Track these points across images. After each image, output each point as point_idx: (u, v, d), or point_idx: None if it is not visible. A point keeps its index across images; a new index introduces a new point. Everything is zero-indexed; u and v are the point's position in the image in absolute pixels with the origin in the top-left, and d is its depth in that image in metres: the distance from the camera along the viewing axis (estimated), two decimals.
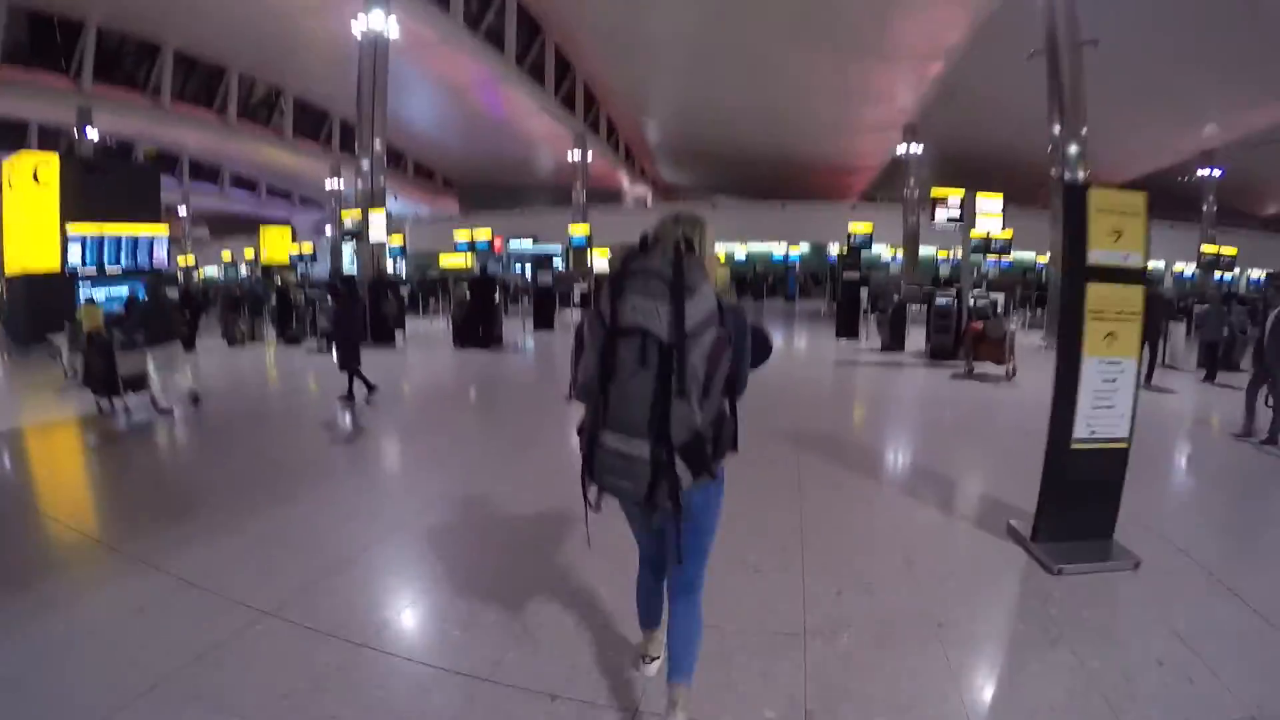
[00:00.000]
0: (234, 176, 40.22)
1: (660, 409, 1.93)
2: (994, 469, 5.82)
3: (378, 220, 16.90)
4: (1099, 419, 3.76)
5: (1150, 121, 23.49)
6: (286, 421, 7.89)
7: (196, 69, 28.05)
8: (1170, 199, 32.80)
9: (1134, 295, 3.67)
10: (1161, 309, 11.07)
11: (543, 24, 27.53)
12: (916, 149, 28.62)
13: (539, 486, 4.99)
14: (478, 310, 13.53)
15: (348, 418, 7.57)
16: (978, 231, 12.65)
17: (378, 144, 18.36)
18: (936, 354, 12.60)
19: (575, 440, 2.16)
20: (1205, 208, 31.29)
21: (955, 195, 12.40)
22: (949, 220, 12.53)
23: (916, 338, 13.91)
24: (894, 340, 13.48)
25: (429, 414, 8.38)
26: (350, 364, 7.96)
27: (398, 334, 15.24)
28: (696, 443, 1.97)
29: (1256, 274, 35.29)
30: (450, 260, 33.49)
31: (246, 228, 37.74)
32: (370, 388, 8.14)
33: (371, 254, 17.83)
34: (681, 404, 1.93)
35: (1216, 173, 30.62)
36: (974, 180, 13.10)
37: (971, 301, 12.05)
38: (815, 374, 11.43)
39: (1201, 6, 20.54)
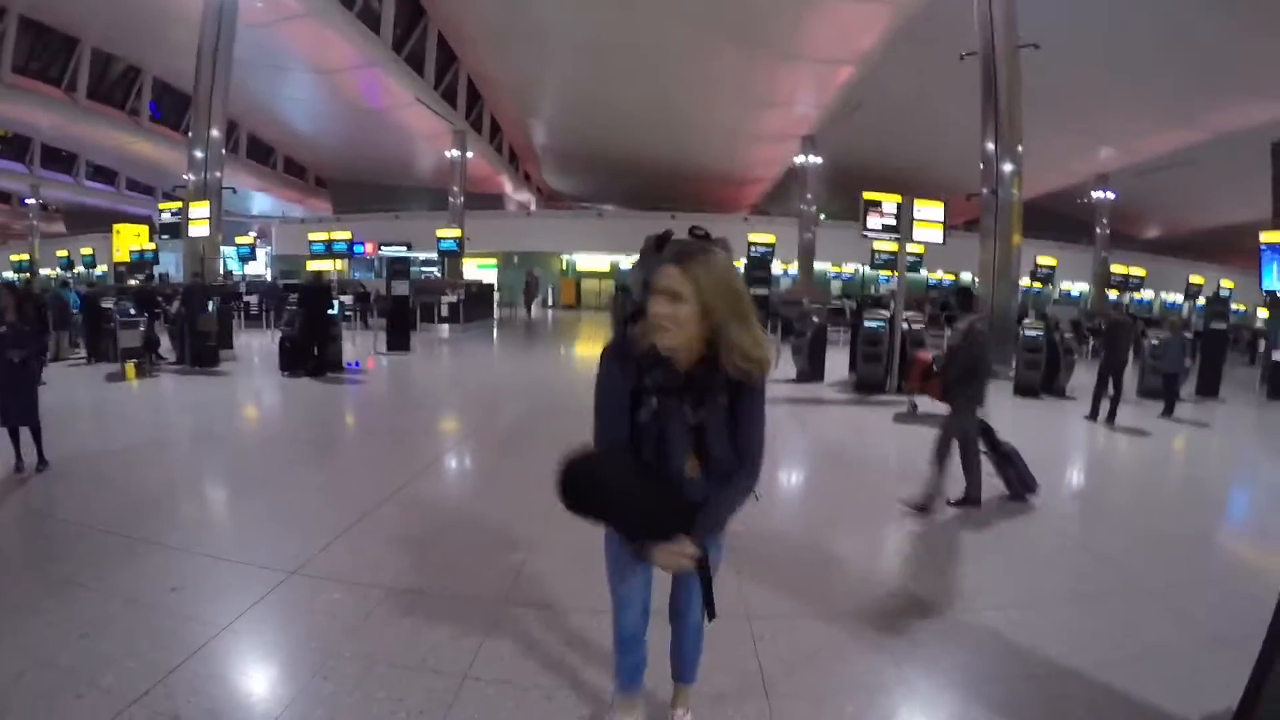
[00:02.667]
0: (92, 167, 34.94)
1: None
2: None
3: (200, 213, 13.77)
4: None
5: (1052, 139, 23.17)
6: None
7: (44, 39, 23.70)
8: (1059, 220, 33.47)
9: None
10: (1126, 338, 9.63)
11: (426, 7, 24.82)
12: (815, 160, 27.59)
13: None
14: (309, 328, 10.69)
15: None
16: (916, 243, 10.95)
17: (215, 130, 15.42)
18: (864, 386, 10.81)
19: None
20: (1099, 229, 31.85)
21: (890, 201, 10.66)
22: (884, 228, 10.75)
23: (834, 365, 12.13)
24: (813, 370, 11.62)
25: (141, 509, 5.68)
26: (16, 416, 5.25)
27: (225, 355, 12.27)
28: None
29: (1172, 297, 36.38)
30: (317, 266, 29.96)
31: (105, 223, 32.90)
32: (41, 459, 5.40)
33: (199, 254, 14.80)
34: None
35: (1110, 195, 31.14)
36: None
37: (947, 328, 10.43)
38: None
39: (1112, 34, 20.31)
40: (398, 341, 13.93)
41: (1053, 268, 23.13)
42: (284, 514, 4.73)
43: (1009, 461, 5.48)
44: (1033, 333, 11.17)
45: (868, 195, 10.58)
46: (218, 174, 15.32)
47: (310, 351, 10.65)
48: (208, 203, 13.99)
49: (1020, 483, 5.45)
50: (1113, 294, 26.09)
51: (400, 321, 14.08)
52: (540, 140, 36.53)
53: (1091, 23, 19.36)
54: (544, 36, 24.59)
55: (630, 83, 26.24)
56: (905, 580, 4.02)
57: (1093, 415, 9.17)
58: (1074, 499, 6.20)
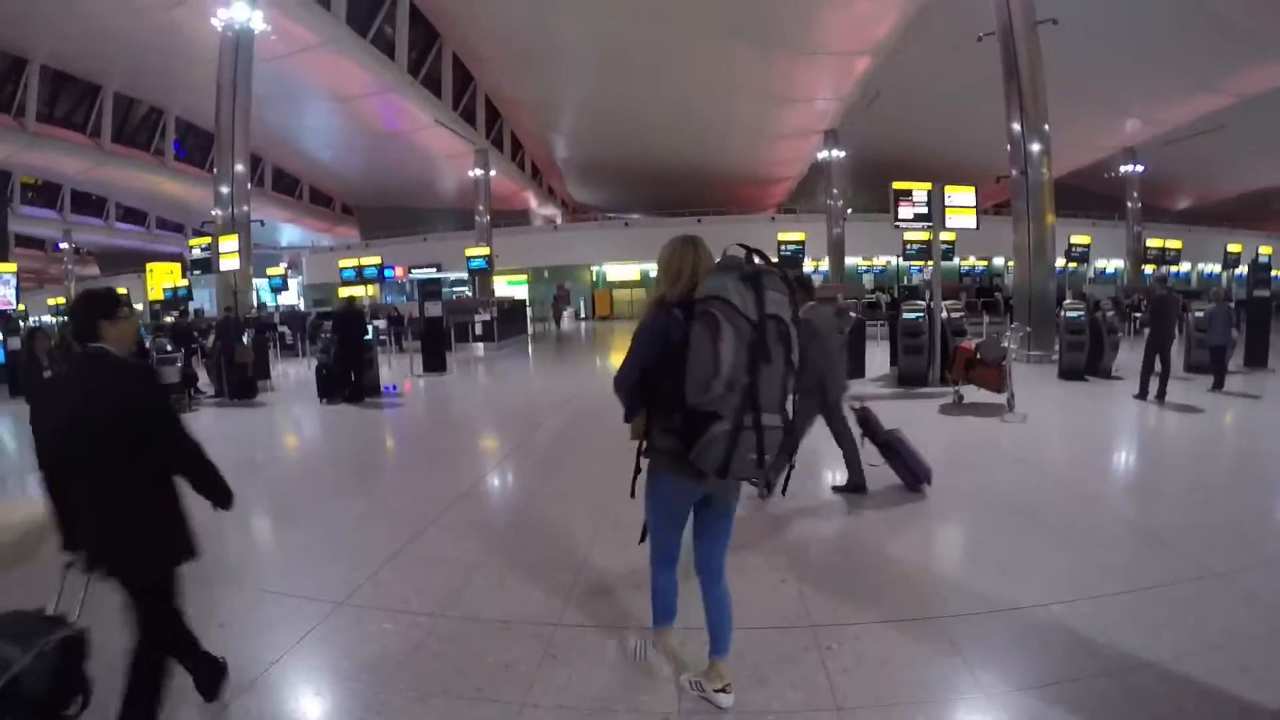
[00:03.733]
0: (122, 209, 36.04)
1: (787, 383, 2.35)
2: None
3: (229, 247, 13.99)
4: None
5: (1076, 116, 22.62)
6: None
7: (66, 86, 24.47)
8: (1089, 197, 32.72)
9: None
10: (1172, 312, 9.31)
11: (439, 29, 25.06)
12: (838, 155, 27.39)
13: None
14: (344, 355, 10.75)
15: None
16: (949, 231, 10.71)
17: (239, 165, 15.74)
18: (907, 379, 10.59)
19: None
20: (1130, 204, 31.07)
21: (920, 190, 10.44)
22: (915, 217, 10.54)
23: (875, 360, 11.95)
24: (854, 366, 11.40)
25: None
26: None
27: (262, 385, 12.42)
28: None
29: (1210, 268, 35.34)
30: (349, 292, 30.27)
31: (138, 263, 33.66)
32: None
33: (232, 288, 15.08)
34: (802, 375, 2.47)
35: (1139, 169, 30.39)
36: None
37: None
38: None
39: (1126, 3, 19.88)
40: (433, 363, 13.99)
41: (1087, 246, 22.57)
42: (329, 543, 4.70)
43: (892, 451, 5.26)
44: (1074, 313, 10.86)
45: (897, 185, 10.37)
46: (245, 208, 15.66)
47: (347, 378, 10.70)
48: (236, 236, 14.21)
49: (910, 473, 5.22)
50: (1148, 269, 25.35)
51: (435, 343, 14.15)
52: (562, 154, 36.71)
53: None
54: (558, 51, 24.73)
55: (648, 90, 26.27)
56: (968, 578, 3.86)
57: (1142, 394, 8.86)
58: (1129, 482, 5.98)
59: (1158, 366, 8.88)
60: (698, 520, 2.64)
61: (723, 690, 2.60)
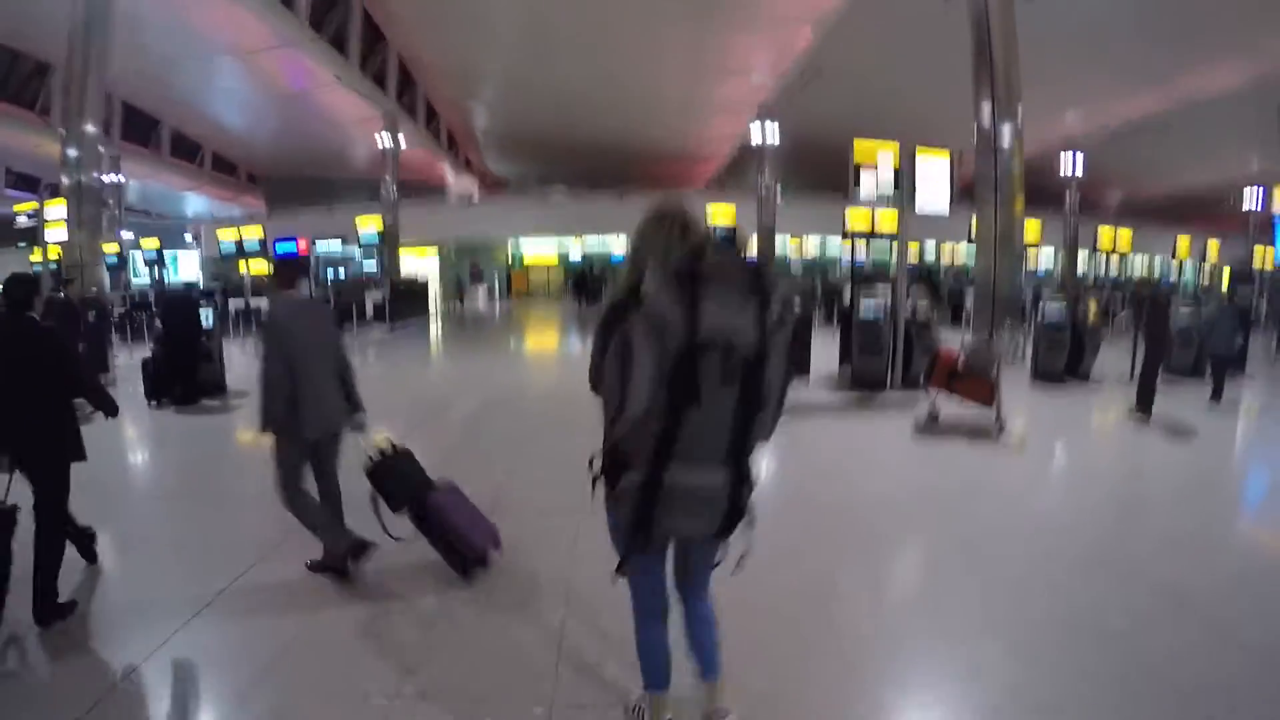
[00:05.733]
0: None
1: (744, 426, 1.83)
2: None
3: (56, 214, 11.48)
4: None
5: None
6: None
7: None
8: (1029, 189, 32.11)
9: None
10: (1166, 317, 7.98)
11: None
12: (773, 130, 25.30)
13: None
14: (170, 348, 8.54)
15: None
16: (922, 205, 8.92)
17: (89, 125, 13.30)
18: (862, 382, 9.03)
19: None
20: (1069, 194, 30.47)
21: (886, 150, 8.69)
22: (881, 188, 8.78)
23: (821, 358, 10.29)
24: (798, 365, 9.79)
25: None
26: None
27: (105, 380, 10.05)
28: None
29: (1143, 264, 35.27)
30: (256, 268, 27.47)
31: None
32: None
33: (78, 264, 12.65)
34: (762, 416, 1.86)
35: (1079, 162, 29.74)
36: (836, 172, 9.48)
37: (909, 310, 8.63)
38: None
39: None
40: None
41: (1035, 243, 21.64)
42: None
43: (427, 521, 3.57)
44: (1054, 305, 9.55)
45: (859, 147, 8.53)
46: (95, 174, 13.25)
47: (179, 376, 8.52)
48: (64, 201, 11.70)
49: (455, 554, 3.52)
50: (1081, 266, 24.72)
51: None
52: (481, 124, 34.43)
53: None
54: (479, 12, 22.48)
55: (573, 56, 24.26)
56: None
57: (1143, 408, 7.46)
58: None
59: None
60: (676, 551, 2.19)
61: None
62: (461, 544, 3.50)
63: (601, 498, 1.99)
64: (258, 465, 3.98)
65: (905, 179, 8.65)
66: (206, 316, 8.94)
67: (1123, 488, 5.62)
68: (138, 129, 28.55)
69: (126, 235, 23.77)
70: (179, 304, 8.74)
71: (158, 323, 9.62)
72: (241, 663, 2.85)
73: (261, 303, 15.91)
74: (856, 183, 8.55)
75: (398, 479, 3.62)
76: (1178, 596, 3.42)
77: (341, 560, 3.51)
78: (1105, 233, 23.27)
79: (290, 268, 3.98)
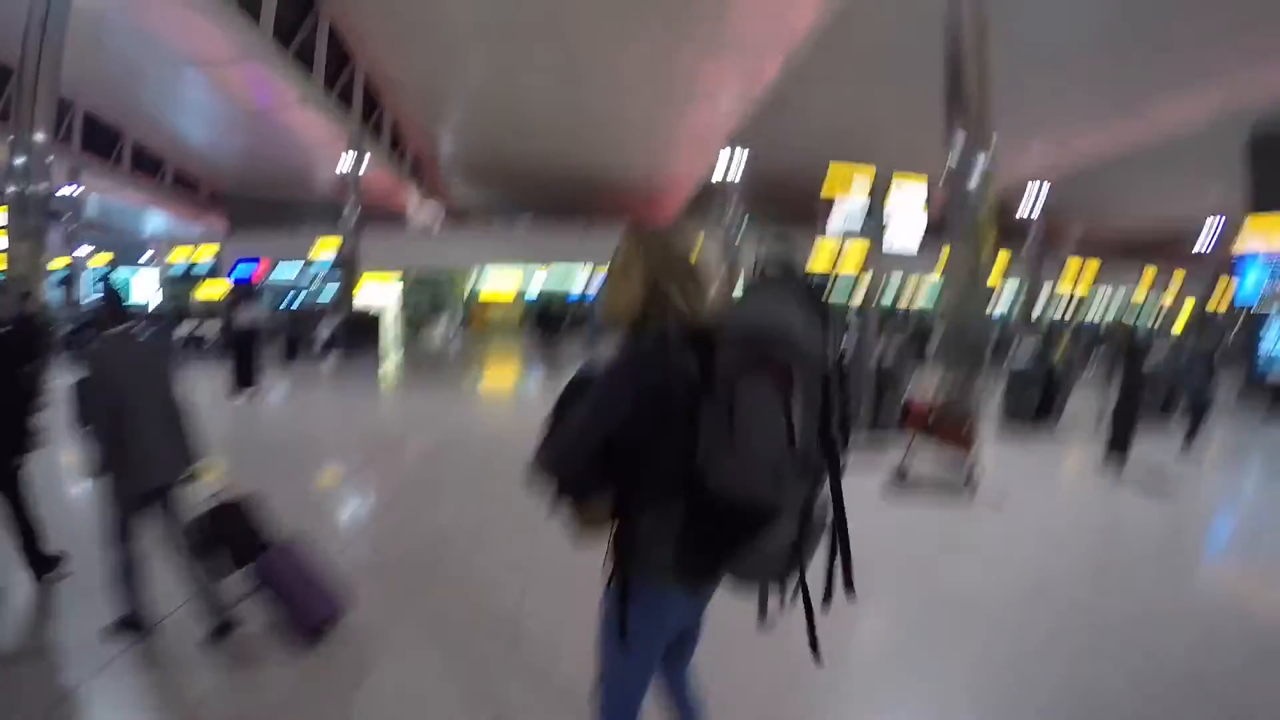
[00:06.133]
0: None
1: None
2: None
3: None
4: None
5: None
6: None
7: None
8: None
9: None
10: (1139, 370, 7.76)
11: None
12: (740, 163, 24.88)
13: None
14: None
15: None
16: (890, 243, 8.68)
17: (39, 134, 12.85)
18: None
19: None
20: (1032, 231, 30.70)
21: (862, 177, 8.38)
22: (851, 220, 8.47)
23: None
24: None
25: None
26: None
27: None
28: None
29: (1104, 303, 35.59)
30: (208, 292, 26.77)
31: None
32: None
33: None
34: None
35: (1044, 188, 30.02)
36: (806, 209, 9.15)
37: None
38: None
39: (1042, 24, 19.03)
40: (240, 384, 10.67)
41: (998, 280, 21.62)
42: None
43: (265, 584, 3.20)
44: (1028, 346, 9.34)
45: (833, 174, 8.20)
46: (45, 184, 12.87)
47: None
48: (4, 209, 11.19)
49: (293, 619, 3.14)
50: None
51: (244, 364, 10.70)
52: (447, 150, 34.16)
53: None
54: (447, 31, 22.27)
55: (543, 81, 24.09)
56: None
57: (1114, 459, 7.21)
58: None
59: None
60: None
61: None
62: (302, 611, 3.12)
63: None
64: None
65: (877, 209, 8.37)
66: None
67: (1101, 550, 5.33)
68: (99, 141, 27.86)
69: (82, 251, 23.00)
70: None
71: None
72: None
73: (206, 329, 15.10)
74: (827, 214, 8.24)
75: (231, 536, 3.26)
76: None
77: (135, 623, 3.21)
78: (1073, 264, 23.29)
79: (116, 298, 3.30)
